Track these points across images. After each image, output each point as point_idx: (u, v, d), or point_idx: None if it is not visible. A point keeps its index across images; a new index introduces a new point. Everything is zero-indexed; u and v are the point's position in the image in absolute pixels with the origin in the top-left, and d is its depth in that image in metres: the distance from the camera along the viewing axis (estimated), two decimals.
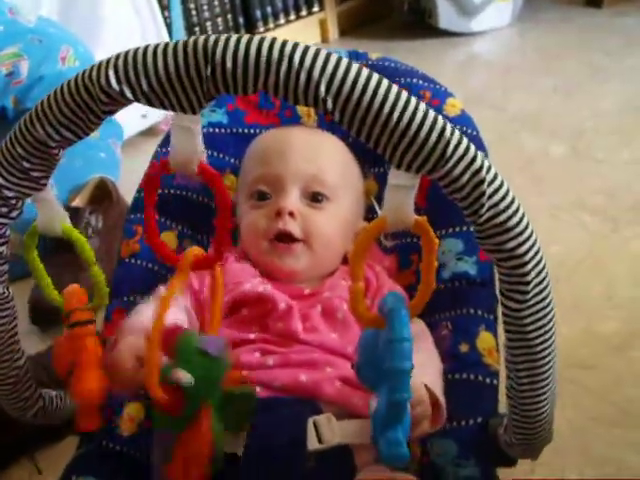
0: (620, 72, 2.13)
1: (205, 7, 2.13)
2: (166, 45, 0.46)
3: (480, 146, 0.90)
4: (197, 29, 2.14)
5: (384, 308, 0.53)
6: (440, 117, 0.45)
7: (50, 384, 0.78)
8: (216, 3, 2.16)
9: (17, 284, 1.45)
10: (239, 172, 0.93)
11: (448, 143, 0.44)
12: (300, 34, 2.41)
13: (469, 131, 0.91)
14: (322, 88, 0.43)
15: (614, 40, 2.31)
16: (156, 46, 0.46)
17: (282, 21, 2.37)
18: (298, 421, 0.66)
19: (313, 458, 0.65)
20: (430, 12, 2.40)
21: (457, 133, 0.45)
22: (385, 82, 0.44)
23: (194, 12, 2.11)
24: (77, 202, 1.50)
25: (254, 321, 0.76)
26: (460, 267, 0.82)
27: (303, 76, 0.43)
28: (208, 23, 2.16)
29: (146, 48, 0.47)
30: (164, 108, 0.48)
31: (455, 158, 0.45)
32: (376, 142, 0.45)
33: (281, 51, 0.43)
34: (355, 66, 0.44)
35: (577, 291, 1.33)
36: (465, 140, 0.45)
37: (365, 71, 0.44)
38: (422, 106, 0.44)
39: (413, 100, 0.44)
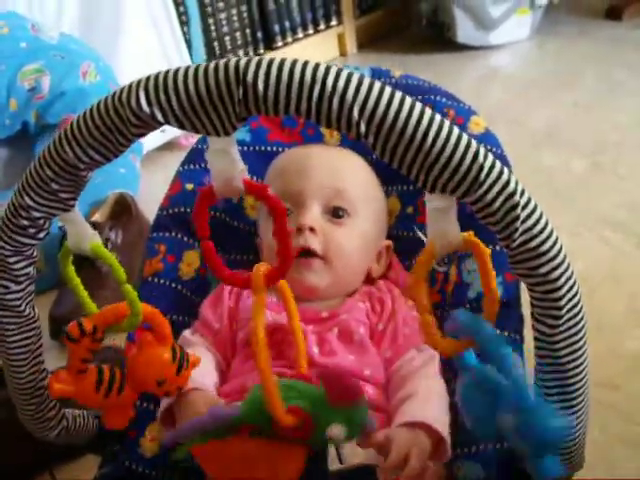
0: (639, 87, 2.11)
1: (224, 22, 2.14)
2: (197, 67, 0.46)
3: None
4: (216, 44, 2.15)
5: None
6: (474, 141, 0.44)
7: (72, 401, 0.78)
8: (235, 18, 2.17)
9: (36, 299, 1.47)
10: None
11: (482, 167, 0.44)
12: (318, 48, 2.41)
13: (494, 149, 0.90)
14: (355, 112, 0.43)
15: (634, 53, 2.30)
16: (187, 68, 0.46)
17: (300, 35, 2.37)
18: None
19: (335, 478, 0.65)
20: (448, 26, 2.40)
21: (490, 157, 0.45)
22: (418, 105, 0.44)
23: (213, 27, 2.12)
24: (97, 217, 1.50)
25: (270, 350, 0.75)
26: None
27: (336, 100, 0.43)
28: (227, 38, 2.17)
29: (177, 70, 0.46)
30: (196, 131, 0.47)
31: (489, 182, 0.44)
32: (409, 167, 0.45)
33: (314, 74, 0.43)
34: (388, 89, 0.44)
35: (601, 309, 1.31)
36: (498, 163, 0.45)
37: (398, 94, 0.43)
38: (455, 129, 0.44)
39: (446, 123, 0.44)
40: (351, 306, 0.80)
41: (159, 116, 0.46)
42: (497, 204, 0.45)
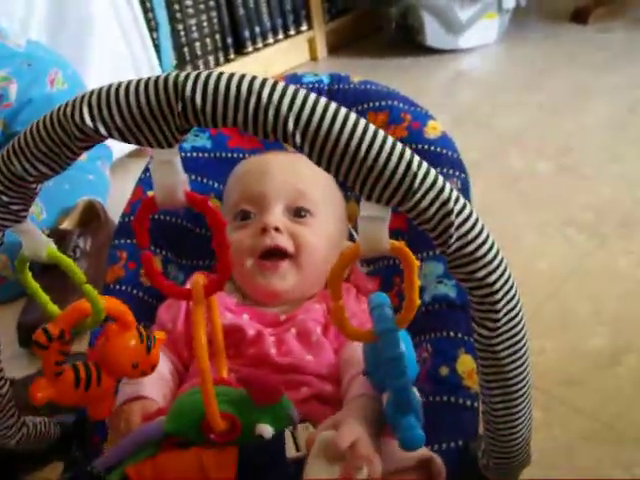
0: (606, 88, 2.15)
1: (194, 28, 2.15)
2: (138, 81, 0.47)
3: (460, 167, 0.91)
4: (186, 49, 2.15)
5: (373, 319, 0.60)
6: (408, 150, 0.46)
7: (40, 408, 0.78)
8: (205, 24, 2.17)
9: (5, 307, 1.47)
10: (222, 196, 0.94)
11: (415, 176, 0.45)
12: (289, 53, 2.42)
13: (449, 153, 0.92)
14: (290, 123, 0.44)
15: (600, 56, 2.34)
16: (128, 83, 0.47)
17: (271, 40, 2.38)
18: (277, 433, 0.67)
19: (293, 465, 0.66)
20: (417, 30, 2.41)
21: (425, 165, 0.46)
22: (353, 116, 0.45)
23: (182, 33, 2.12)
24: (66, 225, 1.50)
25: (227, 350, 0.76)
26: (440, 290, 0.83)
27: (271, 112, 0.44)
28: (197, 44, 2.17)
29: (119, 85, 0.47)
30: (139, 144, 0.48)
31: (422, 190, 0.45)
32: (345, 175, 0.46)
33: (249, 87, 0.44)
34: (323, 101, 0.45)
35: (564, 307, 1.34)
36: (433, 172, 0.46)
37: (332, 105, 0.45)
38: (389, 139, 0.45)
39: (381, 133, 0.45)
40: (308, 307, 0.81)
41: (102, 130, 0.47)
42: (431, 211, 0.46)
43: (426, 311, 0.82)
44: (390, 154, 0.45)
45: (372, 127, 0.45)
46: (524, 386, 0.54)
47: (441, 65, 2.42)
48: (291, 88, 0.45)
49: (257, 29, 2.32)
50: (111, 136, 0.48)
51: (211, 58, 2.23)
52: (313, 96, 0.45)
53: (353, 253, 0.51)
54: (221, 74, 0.45)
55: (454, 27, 2.40)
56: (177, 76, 0.45)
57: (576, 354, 1.24)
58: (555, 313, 1.32)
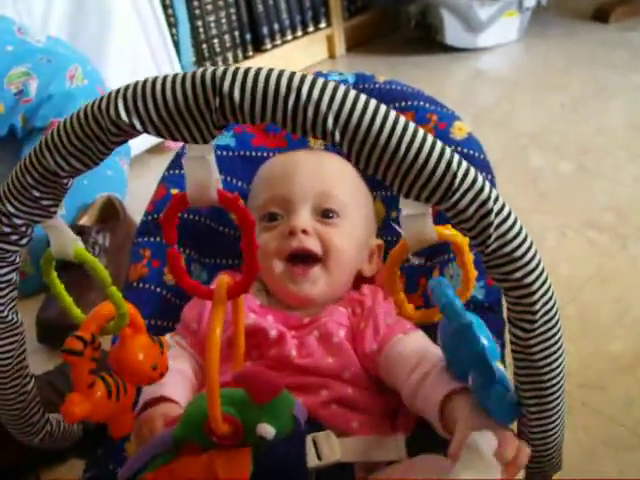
0: (626, 87, 2.12)
1: (212, 24, 2.14)
2: (175, 76, 0.46)
3: (486, 169, 0.90)
4: (205, 46, 2.14)
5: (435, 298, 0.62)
6: (448, 149, 0.45)
7: (59, 404, 0.78)
8: (223, 20, 2.17)
9: (24, 302, 1.47)
10: (246, 195, 0.93)
11: (455, 175, 0.44)
12: (307, 50, 2.42)
13: (476, 154, 0.91)
14: (330, 121, 0.43)
15: (620, 55, 2.31)
16: (165, 77, 0.47)
17: (289, 37, 2.37)
18: (296, 439, 0.65)
19: (314, 474, 0.66)
20: (437, 28, 2.40)
21: (465, 164, 0.45)
22: (392, 114, 0.44)
23: (201, 30, 2.12)
24: (85, 220, 1.50)
25: (249, 351, 0.75)
26: None
27: (311, 109, 0.43)
28: (215, 40, 2.17)
29: (155, 79, 0.47)
30: (174, 139, 0.48)
31: (462, 190, 0.45)
32: (384, 174, 0.45)
33: (289, 83, 0.44)
34: (363, 98, 0.44)
35: (586, 310, 1.32)
36: (472, 171, 0.46)
37: (372, 103, 0.44)
38: (430, 138, 0.45)
39: (421, 132, 0.44)
40: (332, 310, 0.80)
41: (138, 125, 0.47)
42: (471, 211, 0.46)
43: None
44: (430, 153, 0.44)
45: (412, 125, 0.44)
46: (558, 389, 0.54)
47: (460, 64, 2.40)
48: (331, 84, 0.44)
49: (276, 26, 2.31)
50: (146, 131, 0.48)
51: (230, 55, 2.22)
52: (353, 93, 0.44)
53: (402, 251, 0.53)
54: (260, 69, 0.45)
55: (474, 25, 2.39)
56: (215, 71, 0.45)
57: (598, 357, 1.23)
58: (577, 316, 1.31)
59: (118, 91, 0.48)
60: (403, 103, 0.96)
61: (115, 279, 1.36)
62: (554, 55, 2.40)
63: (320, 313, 0.80)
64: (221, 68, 0.45)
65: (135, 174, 1.79)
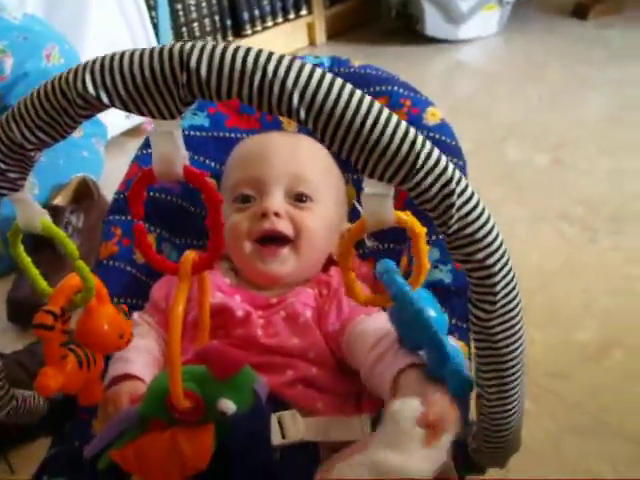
0: (603, 83, 2.15)
1: (193, 8, 2.13)
2: (143, 51, 0.46)
3: (458, 155, 0.91)
4: (184, 29, 2.13)
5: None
6: (412, 129, 0.45)
7: (29, 382, 0.77)
8: (204, 4, 2.16)
9: None
10: (219, 175, 0.93)
11: (419, 155, 0.45)
12: (287, 37, 2.41)
13: (448, 140, 0.91)
14: (295, 99, 0.44)
15: (598, 51, 2.34)
16: (133, 51, 0.47)
17: (270, 24, 2.36)
18: (260, 417, 0.66)
19: (278, 453, 0.66)
20: (417, 18, 2.41)
21: (428, 145, 0.46)
22: (358, 93, 0.44)
23: (181, 13, 2.11)
24: (59, 201, 1.50)
25: (215, 330, 0.76)
26: (435, 275, 0.83)
27: (276, 87, 0.43)
28: (195, 24, 2.16)
29: (123, 53, 0.47)
30: (141, 114, 0.48)
31: (425, 169, 0.45)
32: (348, 152, 0.45)
33: (255, 61, 0.44)
34: (328, 76, 0.44)
35: (554, 300, 1.35)
36: (436, 152, 0.46)
37: (338, 81, 0.44)
38: (394, 117, 0.45)
39: (385, 111, 0.45)
40: (299, 291, 0.81)
41: (105, 98, 0.47)
42: (433, 191, 0.46)
43: None
44: (394, 131, 0.44)
45: (377, 105, 0.45)
46: (518, 370, 0.54)
47: (440, 55, 2.41)
48: (297, 63, 0.44)
49: (256, 12, 2.31)
50: (113, 105, 0.47)
51: (209, 39, 2.21)
52: (319, 71, 0.44)
53: (359, 229, 0.52)
54: (227, 46, 0.45)
55: (454, 17, 2.40)
56: (182, 46, 0.45)
57: (565, 347, 1.25)
58: (545, 305, 1.33)
59: (86, 64, 0.47)
60: (377, 87, 0.97)
61: (87, 260, 1.35)
62: (533, 49, 2.42)
63: (287, 293, 0.81)
64: (189, 44, 0.45)
65: (111, 156, 1.79)
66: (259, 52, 0.45)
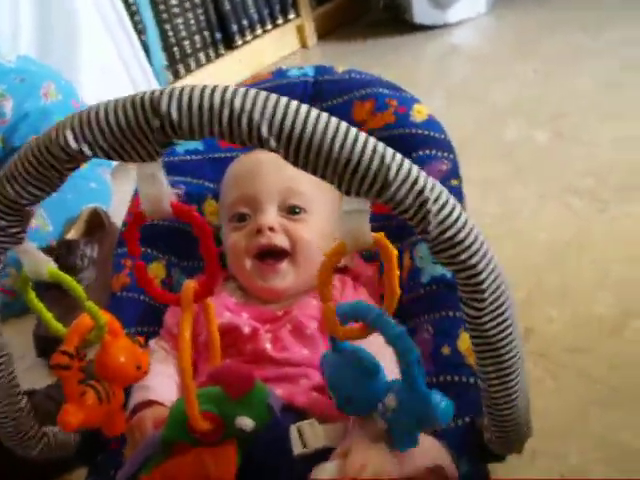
0: (598, 48, 2.13)
1: (181, 27, 2.15)
2: (116, 102, 0.49)
3: (448, 149, 0.92)
4: (175, 49, 2.16)
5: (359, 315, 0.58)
6: (380, 144, 0.47)
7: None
8: (192, 22, 2.18)
9: (21, 319, 1.49)
10: (219, 196, 0.95)
11: (389, 168, 0.46)
12: (279, 43, 2.43)
13: (437, 135, 0.93)
14: (264, 130, 0.46)
15: (591, 16, 2.32)
16: (107, 103, 0.49)
17: (259, 32, 2.38)
18: (279, 429, 0.68)
19: (300, 461, 0.68)
20: (405, 8, 2.41)
21: (398, 157, 0.47)
22: (324, 117, 0.46)
23: (171, 33, 2.13)
24: (72, 234, 1.53)
25: (227, 349, 0.78)
26: (437, 271, 0.84)
27: (244, 120, 0.46)
28: (186, 42, 2.18)
29: (99, 106, 0.49)
30: (123, 160, 0.50)
31: (398, 182, 0.47)
32: (322, 174, 0.48)
33: (222, 98, 0.46)
34: (294, 104, 0.46)
35: (566, 275, 1.34)
36: (407, 163, 0.47)
37: (304, 108, 0.46)
38: (362, 136, 0.47)
39: (353, 131, 0.46)
40: (304, 303, 0.83)
41: (87, 151, 0.49)
42: (408, 201, 0.48)
43: (425, 292, 0.84)
44: (363, 149, 0.46)
45: (344, 124, 0.46)
46: (515, 359, 0.56)
47: (432, 41, 2.41)
48: (262, 95, 0.46)
49: (245, 22, 2.32)
50: (95, 155, 0.50)
51: (202, 55, 2.24)
52: (284, 100, 0.46)
53: (338, 252, 0.53)
54: (194, 87, 0.47)
55: (441, 2, 2.40)
56: (152, 93, 0.47)
57: (581, 321, 1.25)
58: (559, 282, 1.33)
59: (66, 121, 0.50)
60: (362, 91, 0.99)
61: (106, 289, 1.38)
62: (525, 24, 2.41)
63: (293, 305, 0.83)
64: (158, 90, 0.47)
65: (118, 183, 1.81)
66: (225, 89, 0.47)
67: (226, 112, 0.46)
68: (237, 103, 0.46)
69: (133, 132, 0.48)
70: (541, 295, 1.30)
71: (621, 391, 1.10)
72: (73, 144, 0.49)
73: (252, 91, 0.46)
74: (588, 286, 1.32)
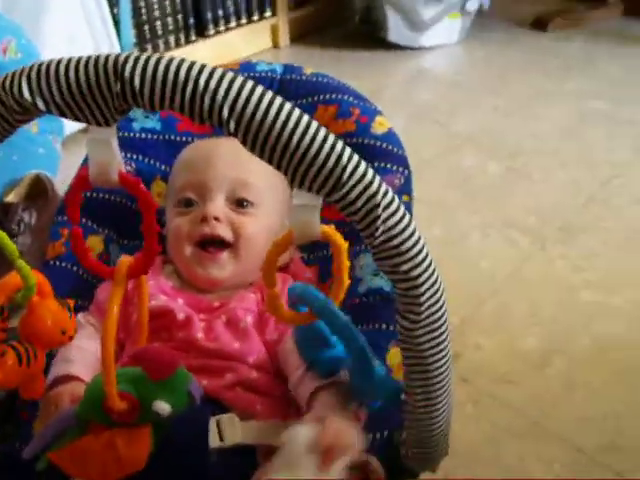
0: (560, 95, 2.20)
1: (155, 6, 2.12)
2: (79, 59, 0.47)
3: (403, 164, 0.93)
4: (146, 28, 2.12)
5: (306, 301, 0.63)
6: (340, 142, 0.47)
7: None
8: (167, 3, 2.15)
9: None
10: (168, 179, 0.94)
11: (345, 168, 0.46)
12: (251, 39, 2.42)
13: (394, 149, 0.93)
14: (225, 111, 0.45)
15: (555, 64, 2.39)
16: (69, 59, 0.47)
17: (233, 24, 2.36)
18: (199, 419, 0.67)
19: (215, 455, 0.67)
20: (380, 25, 2.43)
21: (355, 158, 0.47)
22: (287, 106, 0.46)
23: (144, 10, 2.10)
24: (11, 197, 1.48)
25: (158, 332, 0.77)
26: (376, 283, 0.84)
27: (207, 98, 0.45)
28: (158, 22, 2.15)
29: (59, 60, 0.48)
30: (78, 120, 0.49)
31: (351, 183, 0.47)
32: (278, 164, 0.47)
33: (187, 73, 0.45)
34: (259, 90, 0.46)
35: (502, 307, 1.37)
36: (362, 165, 0.47)
37: (268, 95, 0.46)
38: (322, 130, 0.46)
39: (314, 125, 0.46)
40: (242, 296, 0.82)
41: (41, 104, 0.48)
42: (359, 204, 0.47)
43: (360, 303, 0.84)
44: (321, 146, 0.46)
45: (305, 118, 0.46)
46: (444, 378, 0.56)
47: (402, 61, 2.44)
48: (228, 75, 0.45)
49: (220, 12, 2.30)
50: (49, 111, 0.48)
51: (172, 38, 2.21)
52: (249, 84, 0.45)
53: (286, 240, 0.52)
54: (161, 58, 0.46)
55: (417, 24, 2.43)
56: (118, 56, 0.46)
57: (510, 353, 1.28)
58: (493, 312, 1.36)
59: (22, 70, 0.48)
60: (327, 95, 0.99)
61: (41, 257, 1.34)
62: (493, 59, 2.46)
63: (231, 297, 0.82)
64: (124, 54, 0.46)
65: (68, 153, 1.77)
66: (192, 64, 0.46)
67: (190, 88, 0.45)
68: (202, 80, 0.45)
69: (92, 93, 0.46)
70: (475, 323, 1.32)
71: (538, 425, 1.13)
72: (27, 96, 0.47)
73: (219, 70, 0.46)
74: (520, 320, 1.35)
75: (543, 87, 2.25)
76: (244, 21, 2.40)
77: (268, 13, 2.46)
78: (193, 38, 2.27)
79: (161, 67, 0.45)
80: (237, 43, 2.35)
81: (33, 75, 0.48)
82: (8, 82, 0.48)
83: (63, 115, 0.49)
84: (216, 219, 0.83)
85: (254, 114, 0.45)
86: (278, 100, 0.46)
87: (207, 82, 0.45)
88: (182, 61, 0.46)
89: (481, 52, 2.50)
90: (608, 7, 2.68)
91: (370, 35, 2.51)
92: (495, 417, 1.14)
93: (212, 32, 2.30)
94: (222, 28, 2.33)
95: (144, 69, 0.45)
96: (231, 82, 0.45)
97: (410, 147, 1.00)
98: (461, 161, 1.87)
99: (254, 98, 0.45)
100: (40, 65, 0.48)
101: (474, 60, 2.48)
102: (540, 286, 1.43)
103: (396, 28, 2.42)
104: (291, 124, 0.45)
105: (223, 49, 2.28)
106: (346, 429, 0.60)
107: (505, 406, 1.17)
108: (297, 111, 0.46)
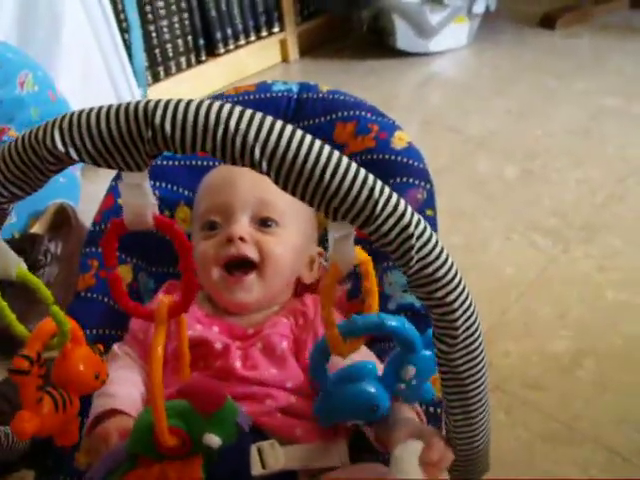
0: (571, 94, 2.19)
1: (165, 29, 2.14)
2: (109, 108, 0.48)
3: (425, 178, 0.93)
4: (157, 51, 2.15)
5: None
6: (371, 176, 0.48)
7: (10, 413, 0.78)
8: (176, 25, 2.17)
9: None
10: (192, 204, 0.95)
11: (377, 202, 0.47)
12: (260, 55, 2.43)
13: (415, 163, 0.94)
14: (257, 152, 0.46)
15: (566, 62, 2.38)
16: (100, 108, 0.48)
17: (242, 42, 2.38)
18: (242, 448, 0.68)
19: None
20: (389, 33, 2.44)
21: (387, 191, 0.48)
22: (317, 144, 0.47)
23: (154, 34, 2.12)
24: (36, 228, 1.50)
25: (196, 362, 0.77)
26: (406, 299, 0.85)
27: (238, 141, 0.46)
28: (168, 45, 2.17)
29: (90, 110, 0.49)
30: (110, 167, 0.50)
31: (384, 216, 0.47)
32: (310, 201, 0.48)
33: (217, 116, 0.46)
34: (288, 129, 0.46)
35: (528, 312, 1.37)
36: (394, 197, 0.48)
37: (298, 134, 0.46)
38: (353, 166, 0.47)
39: (344, 161, 0.47)
40: (275, 322, 0.82)
41: (74, 155, 0.49)
42: (392, 235, 0.48)
43: None
44: (353, 182, 0.46)
45: (336, 154, 0.47)
46: (482, 398, 0.57)
47: (412, 68, 2.44)
48: (258, 116, 0.46)
49: (229, 30, 2.32)
50: (82, 160, 0.49)
51: (183, 59, 2.23)
52: (279, 125, 0.46)
53: (334, 276, 0.55)
54: (190, 102, 0.47)
55: (425, 31, 2.43)
56: (147, 103, 0.47)
57: (539, 357, 1.27)
58: (520, 317, 1.36)
59: (54, 121, 0.49)
60: (345, 113, 0.99)
61: (68, 287, 1.35)
62: (502, 61, 2.46)
63: (264, 324, 0.83)
64: (153, 101, 0.47)
65: (87, 181, 1.79)
66: (221, 107, 0.47)
67: (220, 131, 0.46)
68: (232, 123, 0.46)
69: (124, 141, 0.47)
70: (502, 329, 1.32)
71: (571, 428, 1.12)
72: (60, 146, 0.48)
73: (248, 112, 0.46)
74: (548, 323, 1.34)
75: (553, 87, 2.24)
76: (253, 38, 2.41)
77: (276, 28, 2.47)
78: (203, 58, 2.29)
79: (191, 111, 0.46)
80: (247, 60, 2.36)
81: (65, 126, 0.49)
82: (41, 134, 0.49)
83: (96, 164, 0.50)
84: (241, 239, 0.84)
85: (285, 154, 0.46)
86: (308, 138, 0.46)
87: (237, 124, 0.46)
88: (211, 104, 0.46)
89: (490, 54, 2.50)
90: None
91: (379, 44, 2.51)
92: (528, 423, 1.14)
93: (222, 51, 2.32)
94: (232, 46, 2.35)
95: (174, 115, 0.46)
96: (261, 123, 0.46)
97: (424, 154, 0.99)
98: (477, 166, 1.87)
99: (284, 138, 0.46)
100: (72, 115, 0.49)
101: (484, 63, 2.48)
102: (565, 288, 1.43)
103: (404, 35, 2.43)
104: (322, 162, 0.46)
105: (234, 67, 2.30)
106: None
107: (537, 411, 1.17)
108: (327, 147, 0.47)
